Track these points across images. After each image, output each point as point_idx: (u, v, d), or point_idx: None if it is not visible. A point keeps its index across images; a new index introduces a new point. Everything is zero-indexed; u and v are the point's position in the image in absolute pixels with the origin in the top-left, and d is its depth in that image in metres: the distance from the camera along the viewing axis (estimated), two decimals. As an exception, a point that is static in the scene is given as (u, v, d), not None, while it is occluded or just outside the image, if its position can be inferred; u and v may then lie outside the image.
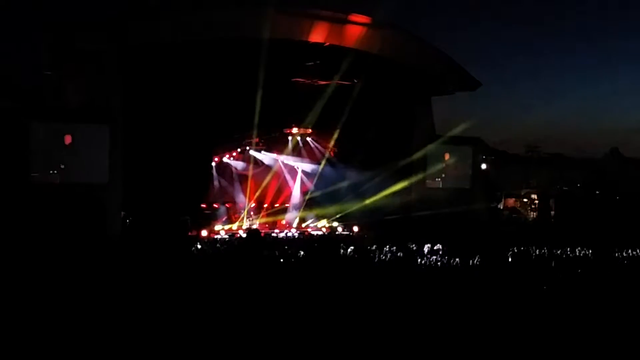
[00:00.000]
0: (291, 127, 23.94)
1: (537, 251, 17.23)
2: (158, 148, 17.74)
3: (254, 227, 22.46)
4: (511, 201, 30.83)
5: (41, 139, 16.15)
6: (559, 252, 17.11)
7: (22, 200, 15.09)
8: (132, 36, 16.77)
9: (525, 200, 30.23)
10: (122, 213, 17.76)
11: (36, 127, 16.06)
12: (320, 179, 24.84)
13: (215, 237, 20.68)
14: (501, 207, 30.09)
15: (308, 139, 24.80)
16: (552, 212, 27.72)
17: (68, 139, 16.69)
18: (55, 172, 16.42)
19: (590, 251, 17.28)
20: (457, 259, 15.25)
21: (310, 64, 19.77)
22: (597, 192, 30.30)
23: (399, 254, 16.68)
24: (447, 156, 23.30)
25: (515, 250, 16.94)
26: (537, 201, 29.08)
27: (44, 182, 16.08)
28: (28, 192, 15.42)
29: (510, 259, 14.05)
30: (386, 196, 21.88)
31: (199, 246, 17.28)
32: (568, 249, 17.44)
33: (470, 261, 14.30)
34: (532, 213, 29.08)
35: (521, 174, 32.51)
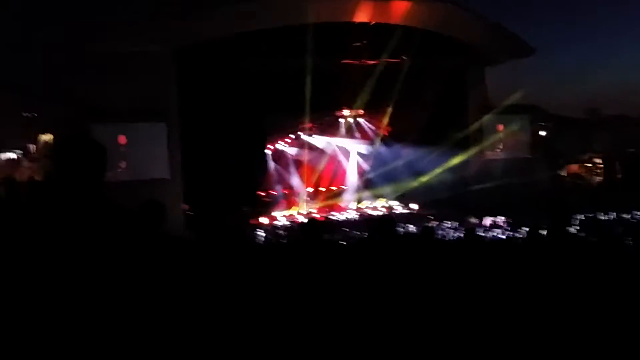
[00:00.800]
0: (342, 109, 23.94)
1: (606, 217, 16.77)
2: (214, 141, 18.10)
3: (312, 214, 22.64)
4: (575, 167, 29.89)
5: (103, 140, 16.67)
6: (628, 216, 16.61)
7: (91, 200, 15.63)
8: (179, 35, 17.06)
9: (589, 165, 29.27)
10: (185, 207, 18.22)
11: (99, 130, 16.62)
12: (375, 159, 24.81)
13: (275, 223, 20.99)
14: (564, 174, 29.22)
15: (360, 120, 24.76)
16: (619, 175, 26.71)
17: (125, 139, 17.23)
18: (119, 170, 16.98)
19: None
20: (521, 231, 15.03)
21: (357, 44, 19.64)
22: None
23: (459, 230, 16.56)
24: (504, 126, 22.78)
25: (583, 218, 16.54)
26: (601, 165, 28.10)
27: (110, 181, 16.62)
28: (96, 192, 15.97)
29: (576, 229, 13.67)
30: (444, 172, 21.62)
31: (260, 234, 17.60)
32: (638, 213, 16.89)
33: (534, 233, 14.03)
34: (597, 178, 28.13)
35: (583, 139, 31.42)
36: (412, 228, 16.66)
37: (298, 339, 3.54)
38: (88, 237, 2.38)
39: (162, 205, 4.47)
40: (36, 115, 19.26)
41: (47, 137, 17.84)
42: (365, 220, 20.45)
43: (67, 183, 2.49)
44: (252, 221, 20.16)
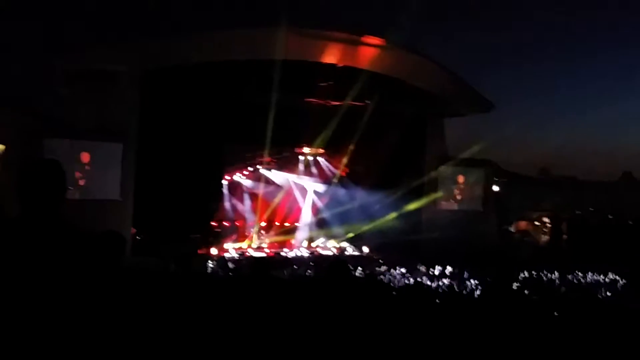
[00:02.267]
0: (303, 147, 24.06)
1: (549, 276, 17.16)
2: (170, 166, 17.86)
3: (263, 249, 22.46)
4: (523, 224, 30.62)
5: (58, 156, 16.29)
6: (570, 277, 17.02)
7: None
8: (149, 57, 16.99)
9: (537, 223, 30.03)
10: (133, 230, 17.83)
11: (54, 145, 16.25)
12: (331, 199, 24.90)
13: (225, 255, 20.71)
14: (513, 230, 29.87)
15: (319, 158, 24.90)
16: (565, 236, 27.48)
17: (85, 157, 16.87)
18: (74, 189, 16.55)
19: (602, 277, 17.17)
20: (469, 282, 15.23)
21: (323, 84, 19.88)
22: (610, 216, 30.02)
23: (408, 277, 16.66)
24: (459, 178, 23.28)
25: (527, 275, 16.87)
26: (549, 224, 28.87)
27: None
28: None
29: (520, 284, 13.93)
30: (397, 217, 21.83)
31: (209, 265, 17.34)
32: (580, 273, 17.35)
33: (481, 286, 14.25)
34: (544, 236, 28.86)
35: (533, 197, 32.28)
36: (360, 272, 16.68)
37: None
38: (44, 260, 2.34)
39: (122, 238, 4.37)
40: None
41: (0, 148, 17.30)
42: (316, 260, 20.37)
43: (29, 204, 2.46)
44: (201, 251, 19.84)
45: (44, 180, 2.54)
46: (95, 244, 2.79)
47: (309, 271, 17.34)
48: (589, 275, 17.27)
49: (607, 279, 17.04)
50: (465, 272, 16.61)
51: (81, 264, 2.46)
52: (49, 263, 2.33)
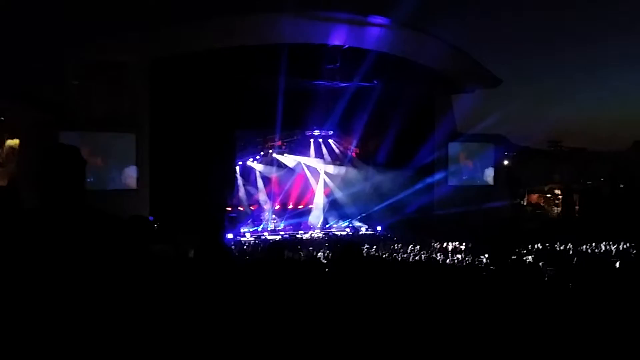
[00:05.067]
0: (313, 130, 24.21)
1: (562, 247, 17.28)
2: (184, 154, 18.06)
3: (278, 232, 22.77)
4: (535, 197, 30.70)
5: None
6: (583, 248, 17.13)
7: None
8: (158, 46, 17.14)
9: (548, 195, 30.09)
10: (150, 218, 18.10)
11: (66, 137, 16.49)
12: (342, 180, 25.08)
13: (241, 239, 21.00)
14: (524, 204, 29.97)
15: (330, 140, 25.05)
16: (577, 207, 27.55)
17: (99, 148, 17.14)
18: (90, 180, 16.84)
19: (615, 246, 17.25)
20: (482, 257, 15.40)
21: (330, 66, 19.95)
22: (621, 185, 29.99)
23: (422, 253, 16.87)
24: (469, 154, 23.37)
25: (539, 247, 17.01)
26: (560, 196, 28.93)
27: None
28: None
29: (534, 257, 14.11)
30: (408, 195, 21.98)
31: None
32: (593, 244, 17.44)
33: (494, 260, 14.41)
34: (555, 209, 28.93)
35: (544, 170, 32.30)
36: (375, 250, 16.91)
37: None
38: (71, 245, 2.40)
39: (149, 222, 4.48)
40: (2, 119, 18.96)
41: (13, 143, 17.58)
42: (331, 241, 20.61)
43: (52, 192, 2.48)
44: (217, 236, 20.10)
45: (66, 165, 2.51)
46: (124, 228, 2.86)
47: (321, 253, 17.55)
48: (602, 245, 17.36)
49: (620, 248, 17.12)
50: (478, 248, 16.78)
51: (113, 248, 2.52)
52: (81, 250, 2.41)
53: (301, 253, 16.74)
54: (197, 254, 4.82)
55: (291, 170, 24.74)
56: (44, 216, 2.49)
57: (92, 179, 16.94)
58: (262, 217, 23.76)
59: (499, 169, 24.38)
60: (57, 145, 2.60)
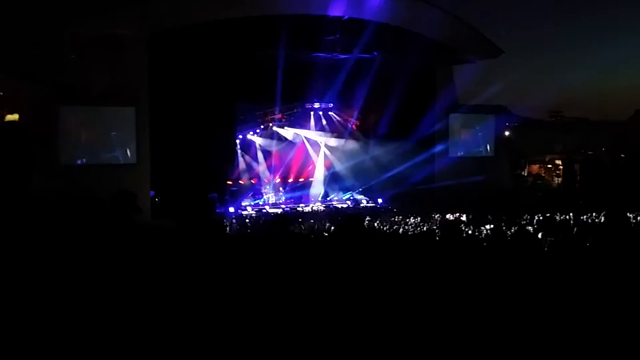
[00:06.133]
0: (313, 102, 24.12)
1: (563, 217, 17.32)
2: (184, 128, 18.05)
3: (279, 205, 22.84)
4: (535, 167, 30.70)
5: (72, 123, 16.61)
6: (584, 217, 17.17)
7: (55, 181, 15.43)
8: (156, 19, 16.98)
9: (549, 166, 30.09)
10: (152, 192, 18.15)
11: (67, 112, 16.48)
12: (343, 153, 25.07)
13: (242, 212, 21.06)
14: (525, 174, 29.98)
15: (330, 113, 24.97)
16: (577, 178, 27.56)
17: (99, 122, 17.12)
18: (85, 154, 16.84)
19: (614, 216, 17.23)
20: (483, 228, 15.47)
21: (329, 38, 19.77)
22: (622, 155, 29.96)
23: (423, 226, 16.93)
24: (470, 125, 23.31)
25: (540, 218, 17.05)
26: (561, 167, 28.92)
27: (74, 164, 16.56)
28: (59, 173, 15.77)
29: (534, 227, 14.14)
30: (409, 167, 21.99)
31: (227, 223, 17.68)
32: (594, 214, 17.47)
33: (494, 230, 14.47)
34: (556, 179, 28.94)
35: (545, 140, 32.24)
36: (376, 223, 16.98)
37: (273, 333, 3.68)
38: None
39: (131, 195, 4.51)
40: (1, 94, 18.86)
41: (13, 117, 17.52)
42: (332, 214, 20.68)
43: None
44: (219, 209, 20.19)
45: (4, 147, 2.30)
46: (79, 209, 2.79)
47: (322, 225, 17.62)
48: (603, 215, 17.39)
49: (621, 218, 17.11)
50: (479, 219, 16.85)
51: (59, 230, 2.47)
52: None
53: (302, 226, 16.79)
54: (186, 226, 4.83)
55: (291, 144, 24.72)
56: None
57: (92, 154, 16.99)
58: (262, 191, 23.79)
59: (500, 140, 24.35)
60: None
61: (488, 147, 23.75)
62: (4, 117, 17.18)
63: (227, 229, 16.45)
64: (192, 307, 3.23)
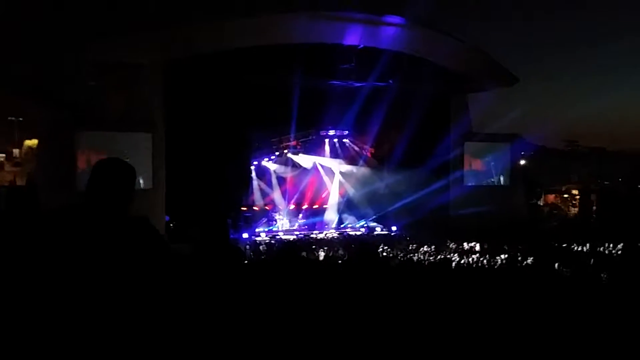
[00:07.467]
0: (328, 130, 24.24)
1: (580, 248, 17.09)
2: (200, 154, 18.19)
3: (293, 232, 22.81)
4: (551, 197, 30.42)
5: (90, 148, 16.80)
6: (601, 249, 16.93)
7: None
8: (172, 47, 17.23)
9: (565, 195, 29.81)
10: (167, 217, 18.24)
11: (83, 137, 16.67)
12: (357, 180, 25.08)
13: (256, 239, 21.06)
14: (541, 204, 29.71)
15: (345, 140, 25.06)
16: (594, 208, 27.27)
17: (116, 149, 17.28)
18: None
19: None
20: (498, 258, 15.30)
21: (345, 66, 19.93)
22: (639, 186, 29.66)
23: (437, 254, 16.80)
24: (485, 154, 23.22)
25: (556, 248, 16.85)
26: (578, 197, 28.64)
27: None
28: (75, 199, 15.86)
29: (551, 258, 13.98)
30: (424, 195, 21.90)
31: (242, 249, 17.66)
32: (611, 245, 17.22)
33: (510, 260, 14.33)
34: (573, 209, 28.65)
35: (561, 170, 32.02)
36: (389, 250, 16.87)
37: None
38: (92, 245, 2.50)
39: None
40: (21, 119, 19.22)
41: (31, 143, 17.81)
42: (346, 241, 20.60)
43: (102, 200, 2.70)
44: (232, 236, 20.19)
45: (114, 179, 2.80)
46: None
47: (335, 252, 17.55)
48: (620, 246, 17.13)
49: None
50: (494, 248, 16.68)
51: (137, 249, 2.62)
52: (100, 250, 2.54)
53: (315, 253, 16.74)
54: (202, 251, 4.83)
55: (306, 170, 24.79)
56: (64, 216, 2.64)
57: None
58: (277, 217, 23.81)
59: (515, 169, 24.20)
60: (111, 160, 2.92)
61: (503, 176, 23.59)
62: (23, 142, 17.49)
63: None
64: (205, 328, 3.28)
